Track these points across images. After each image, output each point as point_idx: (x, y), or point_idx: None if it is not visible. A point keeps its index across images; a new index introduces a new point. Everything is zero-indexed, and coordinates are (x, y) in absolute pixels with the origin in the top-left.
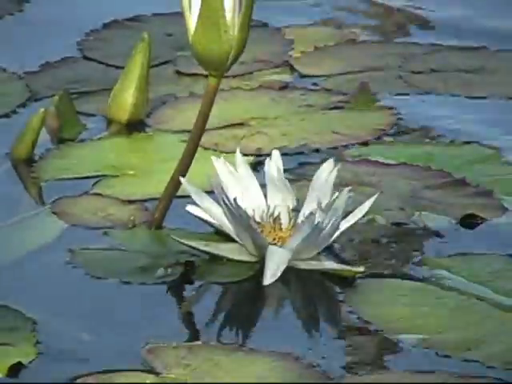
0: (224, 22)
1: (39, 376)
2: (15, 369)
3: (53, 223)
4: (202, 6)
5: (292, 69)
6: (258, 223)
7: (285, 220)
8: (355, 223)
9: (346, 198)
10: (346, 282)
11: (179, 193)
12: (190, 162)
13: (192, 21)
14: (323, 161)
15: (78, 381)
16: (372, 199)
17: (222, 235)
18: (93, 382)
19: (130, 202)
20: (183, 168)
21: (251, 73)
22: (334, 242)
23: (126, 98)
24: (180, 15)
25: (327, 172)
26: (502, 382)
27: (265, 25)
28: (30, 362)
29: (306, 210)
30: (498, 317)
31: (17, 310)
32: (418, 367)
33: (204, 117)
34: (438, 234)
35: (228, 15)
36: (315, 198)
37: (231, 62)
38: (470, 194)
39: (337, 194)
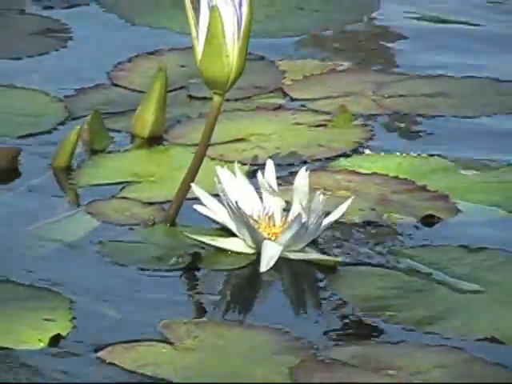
0: (225, 50)
1: (74, 345)
2: (55, 339)
3: (87, 221)
4: (207, 36)
5: (284, 93)
6: (255, 221)
7: (277, 218)
8: (335, 221)
9: (320, 199)
10: (328, 269)
11: (189, 195)
12: (198, 170)
13: (199, 48)
14: (311, 171)
15: (106, 349)
16: (348, 202)
17: (225, 231)
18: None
19: (150, 203)
20: (192, 175)
21: (250, 97)
22: (318, 237)
23: (147, 118)
24: (191, 50)
25: (302, 179)
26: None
27: (262, 58)
28: (67, 334)
29: (294, 211)
30: (454, 297)
31: (56, 292)
32: (389, 339)
33: (210, 128)
34: (403, 230)
35: (228, 44)
36: (305, 201)
37: (231, 83)
38: (429, 198)
39: (315, 196)
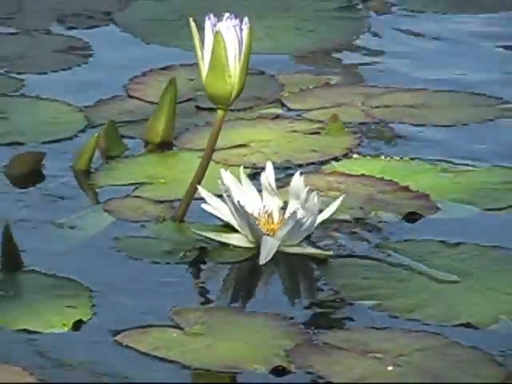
0: (227, 70)
1: (94, 330)
2: (77, 324)
3: (104, 218)
4: (211, 58)
5: (282, 104)
6: (255, 218)
7: (275, 216)
8: (327, 219)
9: (315, 199)
10: (321, 262)
11: (196, 196)
12: (204, 173)
13: (204, 69)
14: (306, 173)
15: (123, 333)
16: (339, 201)
17: (228, 227)
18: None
19: (161, 202)
20: (199, 177)
21: (252, 107)
22: (312, 232)
23: (158, 126)
24: (197, 66)
25: (297, 181)
26: None
27: (262, 73)
28: (88, 320)
29: (290, 209)
30: (434, 287)
31: (78, 282)
32: (375, 325)
33: (215, 137)
34: (388, 227)
35: (230, 65)
36: (299, 200)
37: (233, 99)
38: (411, 197)
39: (309, 196)
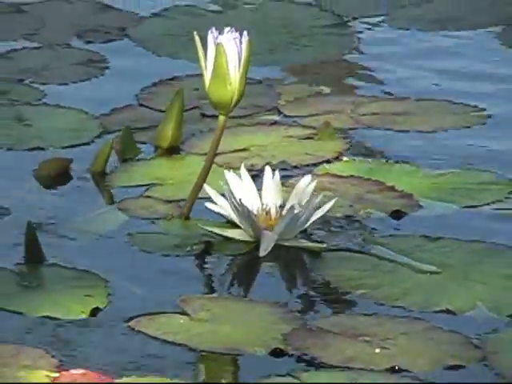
0: (228, 79)
1: (110, 316)
2: (94, 311)
3: (118, 216)
4: (213, 68)
5: (279, 112)
6: (255, 215)
7: (273, 213)
8: (321, 216)
9: (317, 200)
10: (315, 254)
11: (201, 195)
12: (208, 175)
13: (207, 77)
14: (299, 174)
15: (135, 320)
16: (333, 201)
17: (230, 223)
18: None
19: (170, 201)
20: (204, 178)
21: (251, 115)
22: (307, 228)
23: (167, 132)
24: (202, 77)
25: (306, 183)
26: None
27: (260, 82)
28: (104, 307)
29: (287, 207)
30: (416, 277)
31: (95, 273)
32: (364, 311)
33: (217, 141)
34: (375, 223)
35: (231, 74)
36: (295, 199)
37: (234, 105)
38: (396, 196)
39: (317, 196)
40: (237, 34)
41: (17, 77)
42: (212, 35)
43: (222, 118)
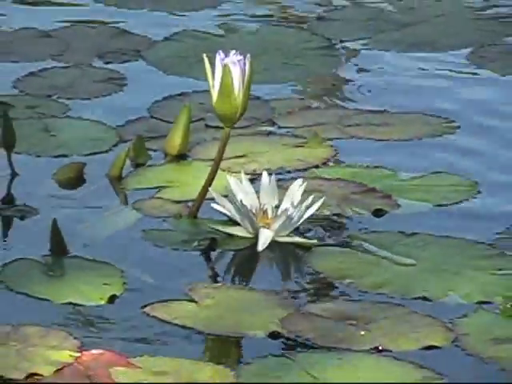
0: (233, 95)
1: (125, 302)
2: (112, 298)
3: (133, 214)
4: (220, 85)
5: (274, 123)
6: (254, 214)
7: (270, 212)
8: (311, 214)
9: (309, 200)
10: (306, 249)
11: (207, 196)
12: (213, 178)
13: (214, 94)
14: (292, 178)
15: (149, 306)
16: (320, 201)
17: (232, 222)
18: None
19: (178, 202)
20: (209, 182)
21: (250, 125)
22: (299, 226)
23: (175, 141)
24: (208, 93)
25: (297, 185)
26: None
27: (257, 98)
28: (120, 294)
29: (282, 207)
30: (395, 268)
31: (112, 265)
32: (349, 299)
33: (222, 149)
34: (359, 220)
35: (235, 91)
36: (289, 200)
37: (237, 118)
38: (378, 196)
39: (309, 198)
40: (241, 57)
41: (45, 93)
42: (219, 57)
43: (226, 130)
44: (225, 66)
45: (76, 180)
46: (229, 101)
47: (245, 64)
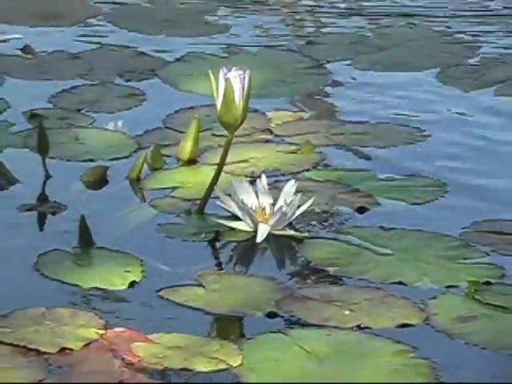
0: (235, 106)
1: (144, 287)
2: (132, 284)
3: (150, 211)
4: (223, 97)
5: (271, 132)
6: (253, 211)
7: (267, 209)
8: (303, 211)
9: (298, 198)
10: (299, 241)
11: (213, 195)
12: (217, 180)
13: (218, 105)
14: (286, 179)
15: (163, 290)
16: (311, 199)
17: (235, 217)
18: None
19: (189, 200)
20: (214, 183)
21: (249, 134)
22: (293, 221)
23: (186, 148)
24: (213, 106)
25: (291, 186)
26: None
27: (256, 111)
28: (140, 280)
29: (278, 205)
30: (376, 258)
31: (132, 254)
32: (336, 283)
33: (225, 154)
34: (344, 216)
35: (236, 103)
36: (283, 198)
37: (238, 125)
38: (361, 196)
39: (297, 197)
40: (241, 72)
41: (75, 107)
42: (223, 72)
43: (229, 136)
44: (227, 80)
45: (100, 181)
46: (231, 110)
47: (244, 78)
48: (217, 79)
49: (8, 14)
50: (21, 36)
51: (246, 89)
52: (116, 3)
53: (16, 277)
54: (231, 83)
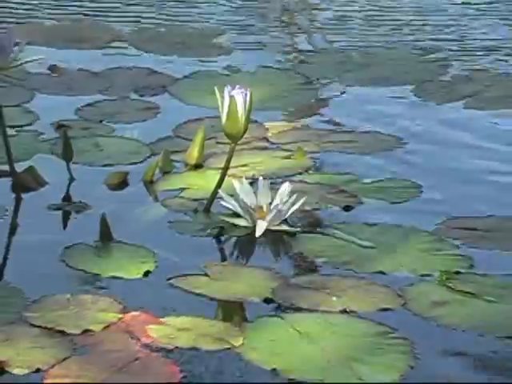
0: (238, 118)
1: (157, 276)
2: (146, 273)
3: (161, 209)
4: (228, 111)
5: (268, 140)
6: (253, 209)
7: (265, 208)
8: (296, 209)
9: (293, 198)
10: (292, 235)
11: (218, 196)
12: (222, 182)
13: (223, 118)
14: (281, 181)
15: (173, 278)
16: (303, 199)
17: (236, 215)
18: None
19: (196, 200)
20: (219, 184)
21: (250, 142)
22: (287, 218)
23: (194, 154)
24: (218, 118)
25: (286, 187)
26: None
27: (255, 121)
28: (153, 270)
29: (274, 204)
30: (360, 250)
31: (146, 248)
32: (325, 273)
33: (228, 160)
34: (333, 214)
35: (239, 116)
36: (279, 198)
37: (241, 136)
38: (347, 196)
39: (291, 197)
40: (243, 89)
41: (98, 118)
42: (227, 90)
43: (232, 145)
44: (231, 97)
45: (119, 184)
46: (234, 123)
47: (246, 95)
48: (222, 96)
49: (43, 38)
50: (43, 57)
51: (247, 105)
52: (135, 27)
53: (44, 267)
54: (235, 100)
